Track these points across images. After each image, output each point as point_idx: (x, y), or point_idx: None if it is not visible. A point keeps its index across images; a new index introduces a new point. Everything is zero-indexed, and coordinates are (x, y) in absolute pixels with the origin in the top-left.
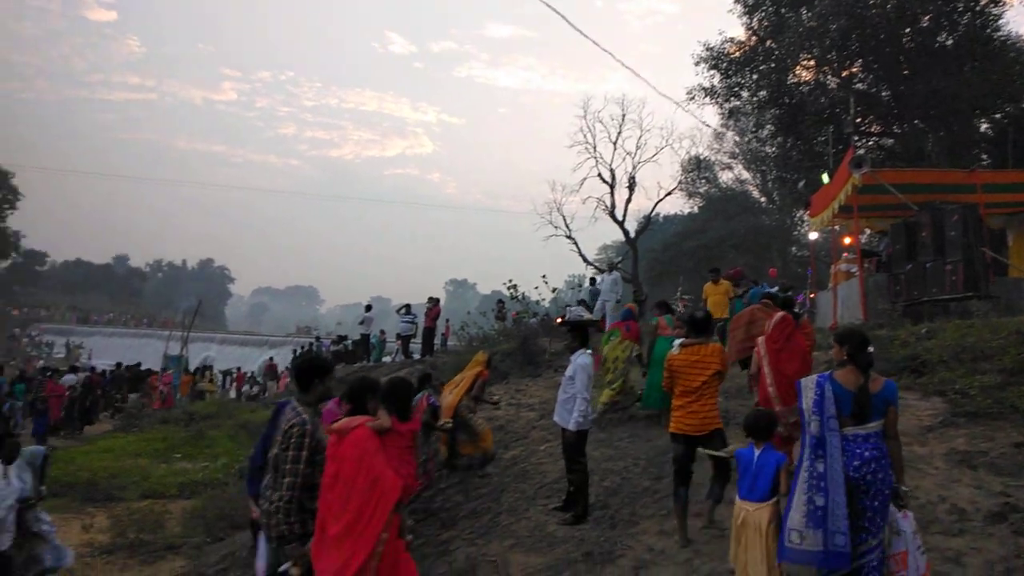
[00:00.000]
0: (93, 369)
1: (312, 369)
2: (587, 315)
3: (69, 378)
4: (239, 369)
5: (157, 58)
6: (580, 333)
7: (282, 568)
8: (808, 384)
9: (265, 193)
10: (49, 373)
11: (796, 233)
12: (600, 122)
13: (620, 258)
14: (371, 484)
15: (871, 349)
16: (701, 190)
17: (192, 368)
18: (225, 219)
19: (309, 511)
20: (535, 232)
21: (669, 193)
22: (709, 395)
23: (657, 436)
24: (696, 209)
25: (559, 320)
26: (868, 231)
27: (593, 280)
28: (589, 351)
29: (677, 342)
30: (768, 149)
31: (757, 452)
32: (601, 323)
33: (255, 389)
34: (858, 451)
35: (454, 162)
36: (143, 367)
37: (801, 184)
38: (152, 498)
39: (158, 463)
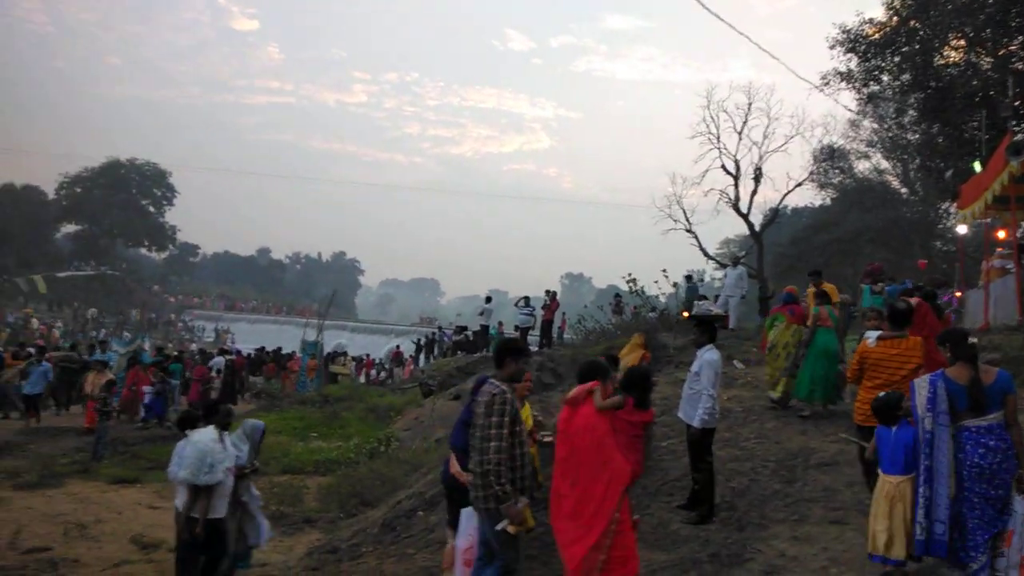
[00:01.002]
0: (239, 352)
1: (506, 349)
2: (715, 310)
3: (217, 361)
4: (368, 355)
5: (294, 63)
6: (707, 328)
7: (499, 526)
8: (921, 383)
9: (391, 189)
10: (198, 356)
11: (941, 227)
12: (724, 111)
13: (744, 253)
14: (602, 465)
15: (972, 341)
16: (834, 181)
17: (326, 353)
18: (355, 214)
19: (512, 478)
20: (653, 226)
21: (799, 184)
22: (907, 389)
23: (787, 439)
24: (828, 201)
25: (685, 314)
26: None
27: (689, 277)
28: (714, 346)
29: (874, 334)
30: (911, 136)
31: (893, 430)
32: (725, 320)
33: (382, 375)
34: (983, 440)
35: (571, 156)
36: (283, 352)
37: (948, 173)
38: (291, 473)
39: (296, 441)
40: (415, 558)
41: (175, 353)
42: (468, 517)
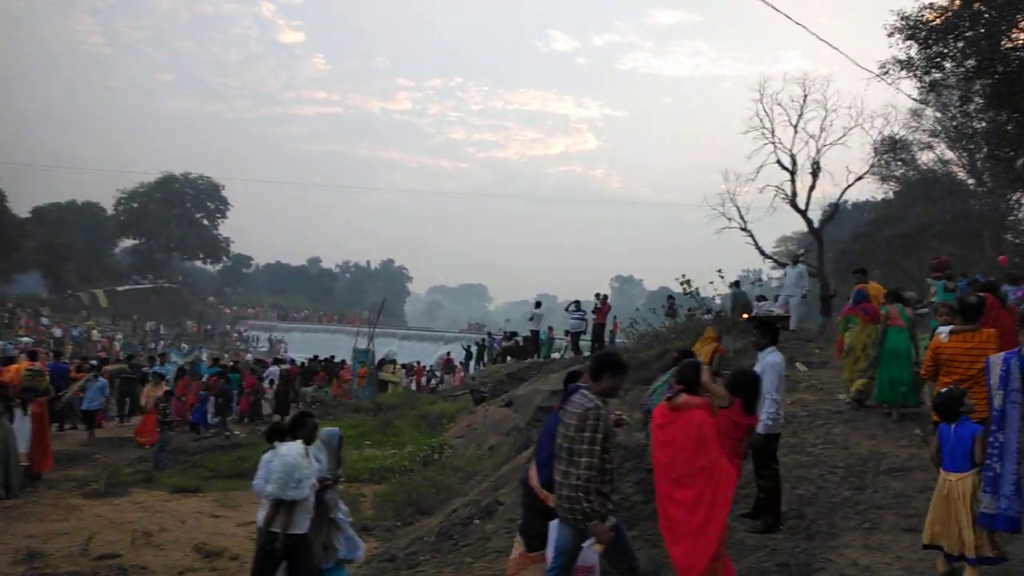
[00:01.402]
0: (293, 362)
1: (604, 364)
2: (776, 310)
3: (272, 371)
4: (418, 363)
5: (340, 73)
6: (769, 330)
7: (585, 544)
8: (996, 361)
9: (437, 195)
10: (254, 366)
11: (1012, 218)
12: (778, 104)
13: (803, 250)
14: (708, 471)
15: None
16: (897, 173)
17: (377, 361)
18: (402, 221)
19: (602, 493)
20: (706, 225)
21: (860, 178)
22: (983, 383)
23: (856, 444)
24: (891, 194)
25: (745, 316)
26: None
27: (737, 283)
28: (776, 348)
29: (946, 329)
30: (977, 124)
31: (953, 427)
32: (786, 321)
33: (433, 382)
34: None
35: (618, 156)
36: (335, 360)
37: (1019, 163)
38: (347, 481)
39: (350, 449)
40: (473, 567)
41: (231, 363)
42: (555, 528)
